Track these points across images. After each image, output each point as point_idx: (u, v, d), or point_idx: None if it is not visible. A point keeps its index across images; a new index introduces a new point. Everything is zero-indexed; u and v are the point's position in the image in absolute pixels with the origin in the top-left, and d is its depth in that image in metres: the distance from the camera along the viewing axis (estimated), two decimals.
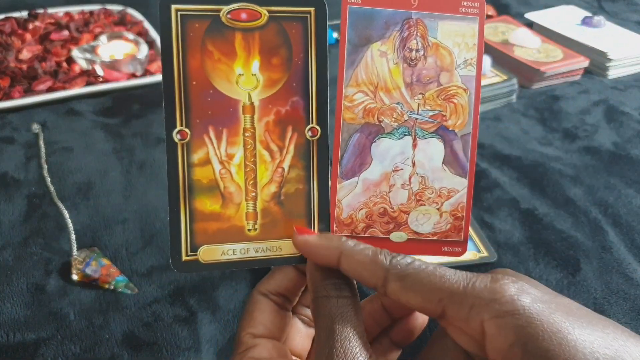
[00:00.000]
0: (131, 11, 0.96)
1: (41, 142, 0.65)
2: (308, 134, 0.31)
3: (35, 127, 0.68)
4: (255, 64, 0.30)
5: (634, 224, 0.57)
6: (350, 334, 0.27)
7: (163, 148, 0.69)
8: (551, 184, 0.62)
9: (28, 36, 0.85)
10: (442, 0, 0.32)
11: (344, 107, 0.31)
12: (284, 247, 0.31)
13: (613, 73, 0.84)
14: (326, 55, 0.31)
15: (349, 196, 0.32)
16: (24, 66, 0.78)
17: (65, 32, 0.87)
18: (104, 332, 0.44)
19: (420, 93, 0.32)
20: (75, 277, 0.48)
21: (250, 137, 0.30)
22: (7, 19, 0.89)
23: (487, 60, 0.77)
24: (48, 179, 0.60)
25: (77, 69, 0.79)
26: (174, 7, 0.29)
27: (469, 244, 0.53)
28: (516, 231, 0.55)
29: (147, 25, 0.91)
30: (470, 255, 0.51)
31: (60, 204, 0.56)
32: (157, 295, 0.47)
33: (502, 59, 0.83)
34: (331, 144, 0.31)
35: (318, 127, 0.31)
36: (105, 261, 0.49)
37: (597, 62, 0.84)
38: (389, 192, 0.32)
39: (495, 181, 0.62)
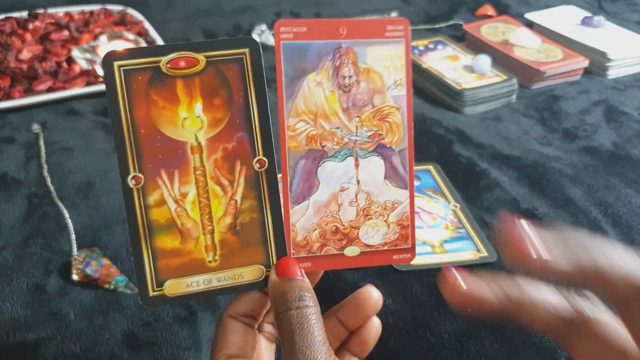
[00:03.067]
0: (131, 11, 0.96)
1: (41, 142, 0.65)
2: (256, 166, 0.33)
3: (36, 127, 0.68)
4: (199, 107, 0.32)
5: (634, 224, 0.57)
6: (311, 343, 0.28)
7: None
8: (551, 183, 0.62)
9: (28, 36, 0.85)
10: (368, 27, 0.34)
11: (287, 137, 0.33)
12: (246, 274, 0.33)
13: (613, 73, 0.84)
14: (265, 90, 0.32)
15: (302, 219, 0.34)
16: (24, 66, 0.78)
17: (66, 32, 0.87)
18: (104, 332, 0.44)
19: (357, 116, 0.34)
20: (75, 277, 0.48)
21: (201, 175, 0.32)
22: (7, 19, 0.89)
23: (487, 60, 0.77)
24: (48, 179, 0.60)
25: (77, 69, 0.79)
26: (115, 63, 0.31)
27: (469, 244, 0.53)
28: None
29: (147, 25, 0.91)
30: (470, 255, 0.51)
31: (60, 204, 0.56)
32: None
33: (502, 59, 0.83)
34: (279, 173, 0.33)
35: (265, 159, 0.33)
36: (106, 261, 0.49)
37: (597, 62, 0.84)
38: (339, 210, 0.34)
39: (495, 181, 0.62)
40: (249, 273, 0.33)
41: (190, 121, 0.32)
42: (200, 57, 0.32)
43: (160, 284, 0.32)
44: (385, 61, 0.34)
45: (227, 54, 0.32)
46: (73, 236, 0.53)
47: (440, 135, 0.70)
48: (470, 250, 0.52)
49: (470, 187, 0.61)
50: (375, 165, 0.35)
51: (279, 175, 0.33)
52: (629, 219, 0.57)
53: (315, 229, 0.34)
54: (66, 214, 0.55)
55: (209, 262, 0.33)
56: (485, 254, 0.52)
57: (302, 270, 0.32)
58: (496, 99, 0.76)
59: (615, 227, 0.56)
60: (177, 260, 0.32)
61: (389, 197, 0.35)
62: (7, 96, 0.73)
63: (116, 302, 0.47)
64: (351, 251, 0.35)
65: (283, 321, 0.29)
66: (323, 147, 0.34)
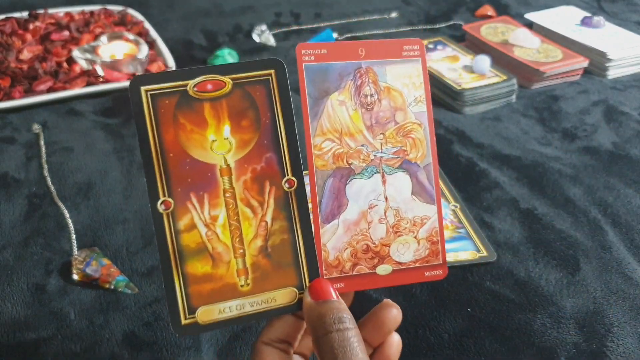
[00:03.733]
0: (131, 11, 0.96)
1: (42, 142, 0.66)
2: (285, 186, 0.33)
3: (36, 127, 0.68)
4: (227, 129, 0.32)
5: (634, 224, 0.57)
6: None
7: None
8: (551, 183, 0.62)
9: (28, 36, 0.85)
10: (386, 48, 0.35)
11: (314, 156, 0.34)
12: (278, 298, 0.32)
13: (612, 73, 0.84)
14: (291, 110, 0.33)
15: (333, 238, 0.34)
16: (25, 66, 0.78)
17: (66, 33, 0.87)
18: (104, 331, 0.44)
19: (380, 133, 0.35)
20: (75, 276, 0.48)
21: (231, 197, 0.32)
22: (7, 19, 0.89)
23: (486, 60, 0.77)
24: (48, 179, 0.60)
25: (77, 69, 0.79)
26: (142, 88, 0.31)
27: (469, 244, 0.53)
28: (516, 231, 0.55)
29: (147, 25, 0.92)
30: (470, 255, 0.52)
31: (60, 204, 0.56)
32: (157, 295, 0.48)
33: (502, 59, 0.83)
34: (308, 193, 0.33)
35: (294, 178, 0.33)
36: (106, 261, 0.49)
37: (597, 62, 0.84)
38: (369, 228, 0.34)
39: (494, 181, 0.62)
40: (281, 296, 0.32)
41: (219, 143, 0.32)
42: (227, 80, 0.32)
43: (192, 311, 0.31)
44: (404, 79, 0.35)
45: (253, 75, 0.32)
46: (73, 236, 0.53)
47: (440, 135, 0.70)
48: (470, 250, 0.52)
49: (470, 187, 0.61)
50: (402, 181, 0.35)
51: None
52: (628, 219, 0.57)
53: (347, 248, 0.34)
54: (66, 214, 0.55)
55: (241, 286, 0.32)
56: (484, 253, 0.52)
57: (336, 292, 0.32)
58: (496, 99, 0.76)
59: (615, 227, 0.56)
60: (209, 285, 0.32)
61: (418, 212, 0.35)
62: (8, 96, 0.73)
63: (116, 302, 0.47)
64: (383, 270, 0.35)
65: (324, 345, 0.29)
66: (350, 164, 0.34)
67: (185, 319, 0.31)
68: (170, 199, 0.31)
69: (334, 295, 0.31)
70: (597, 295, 0.49)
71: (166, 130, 0.31)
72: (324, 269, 0.33)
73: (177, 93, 0.31)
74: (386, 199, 0.35)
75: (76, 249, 0.51)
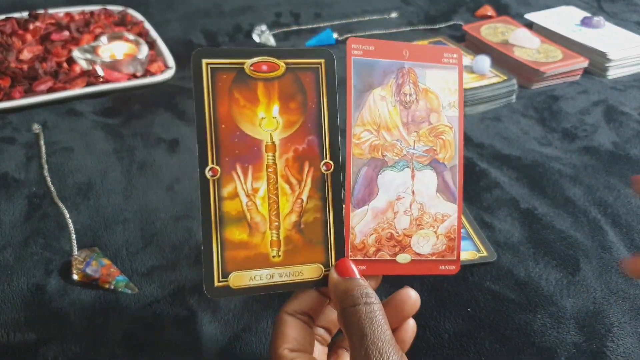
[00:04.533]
0: (131, 12, 0.96)
1: (42, 142, 0.66)
2: (323, 168, 0.35)
3: (36, 127, 0.68)
4: (276, 109, 0.34)
5: (634, 224, 0.57)
6: (382, 335, 0.29)
7: (163, 148, 0.69)
8: (551, 183, 0.62)
9: (29, 36, 0.85)
10: (428, 52, 0.37)
11: (353, 144, 0.36)
12: (305, 272, 0.34)
13: (612, 73, 0.84)
14: (336, 99, 0.35)
15: (361, 223, 0.36)
16: (25, 66, 0.78)
17: (66, 33, 0.87)
18: (104, 332, 0.44)
19: (415, 131, 0.37)
20: (75, 277, 0.48)
21: (273, 172, 0.34)
22: (7, 19, 0.89)
23: (486, 60, 0.77)
24: (48, 179, 0.60)
25: (77, 69, 0.79)
26: (204, 60, 0.33)
27: (469, 244, 0.53)
28: (516, 231, 0.55)
29: (147, 25, 0.92)
30: (470, 255, 0.52)
31: (60, 204, 0.56)
32: (157, 295, 0.48)
33: (502, 59, 0.83)
34: (343, 177, 0.35)
35: (331, 162, 0.35)
36: (106, 261, 0.49)
37: (597, 63, 0.84)
38: (394, 218, 0.36)
39: (494, 181, 0.62)
40: (308, 271, 0.34)
41: (267, 121, 0.34)
42: (281, 63, 0.34)
43: (225, 275, 0.33)
44: (441, 84, 0.37)
45: (305, 62, 0.35)
46: (73, 236, 0.53)
47: None
48: (470, 250, 0.52)
49: (470, 187, 0.61)
50: (429, 178, 0.37)
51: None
52: (628, 219, 0.57)
53: (372, 234, 0.36)
54: (66, 214, 0.55)
55: (273, 257, 0.34)
56: (484, 253, 0.52)
57: (360, 273, 0.34)
58: (496, 99, 0.76)
59: (615, 227, 0.56)
60: (243, 252, 0.34)
61: (440, 209, 0.37)
62: (8, 96, 0.73)
63: (116, 302, 0.47)
64: (403, 258, 0.37)
65: (351, 316, 0.30)
66: (384, 156, 0.36)
67: (219, 281, 0.33)
68: (217, 167, 0.33)
69: (357, 275, 0.33)
70: (597, 295, 0.49)
71: (221, 103, 0.33)
72: (349, 250, 0.35)
73: (234, 69, 0.33)
74: (413, 192, 0.37)
75: (76, 249, 0.51)
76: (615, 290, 0.49)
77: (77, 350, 0.43)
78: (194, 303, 0.47)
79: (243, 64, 0.34)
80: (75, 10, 0.95)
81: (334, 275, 0.33)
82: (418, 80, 0.37)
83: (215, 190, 0.33)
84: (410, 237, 0.37)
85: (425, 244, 0.37)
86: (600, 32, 0.89)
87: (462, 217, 0.56)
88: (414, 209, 0.37)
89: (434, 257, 0.37)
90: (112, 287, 0.48)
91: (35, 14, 0.91)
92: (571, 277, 0.50)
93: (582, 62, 0.82)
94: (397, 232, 0.36)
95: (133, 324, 0.45)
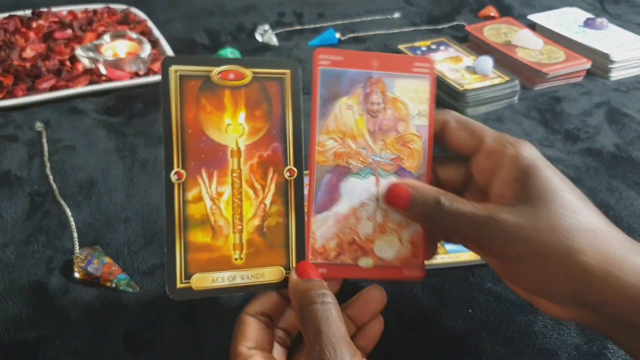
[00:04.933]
0: (134, 10, 0.96)
1: (44, 140, 0.66)
2: (286, 174, 0.36)
3: (39, 126, 0.68)
4: (242, 116, 0.35)
5: (635, 226, 0.57)
6: (336, 332, 0.31)
7: None
8: None
9: (32, 34, 0.85)
10: (398, 62, 0.38)
11: (317, 152, 0.37)
12: (267, 274, 0.36)
13: (615, 75, 0.84)
14: (300, 109, 0.36)
15: (322, 228, 0.37)
16: (28, 64, 0.78)
17: (69, 31, 0.87)
18: (105, 330, 0.44)
19: (381, 140, 0.38)
20: (77, 275, 0.48)
21: (237, 177, 0.35)
22: (11, 17, 0.89)
23: (489, 61, 0.77)
24: (51, 177, 0.60)
25: (80, 67, 0.79)
26: (172, 67, 0.34)
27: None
28: None
29: (150, 24, 0.92)
30: (470, 256, 0.51)
31: (62, 202, 0.57)
32: (158, 294, 0.48)
33: (505, 60, 0.83)
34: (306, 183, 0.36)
35: (295, 169, 0.36)
36: (107, 259, 0.49)
37: (600, 64, 0.84)
38: (357, 224, 0.37)
39: None
40: (270, 273, 0.35)
41: (233, 127, 0.35)
42: (248, 72, 0.35)
43: (188, 276, 0.34)
44: (410, 93, 0.38)
45: (271, 72, 0.36)
46: (75, 234, 0.53)
47: None
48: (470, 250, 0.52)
49: None
50: None
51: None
52: (630, 221, 0.57)
53: (334, 239, 0.37)
54: (68, 212, 0.55)
55: (235, 259, 0.35)
56: None
57: (319, 275, 0.35)
58: (498, 100, 0.76)
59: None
60: (206, 255, 0.34)
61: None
62: (11, 94, 0.73)
63: (118, 300, 0.47)
64: (365, 262, 0.37)
65: (308, 314, 0.32)
66: (348, 164, 0.37)
67: (181, 283, 0.34)
68: (183, 171, 0.34)
69: (316, 277, 0.35)
70: None
71: (188, 109, 0.34)
72: (310, 253, 0.36)
73: (202, 77, 0.34)
74: (377, 199, 0.37)
75: (78, 247, 0.52)
76: None
77: (78, 348, 0.43)
78: (195, 302, 0.47)
79: (211, 71, 0.35)
80: (78, 8, 0.95)
81: (294, 276, 0.35)
82: (387, 90, 0.37)
83: (180, 194, 0.34)
84: (373, 243, 0.37)
85: (389, 250, 0.37)
86: (604, 33, 0.88)
87: None
88: (378, 215, 0.37)
89: (398, 263, 0.38)
90: (114, 285, 0.48)
91: (39, 12, 0.91)
92: None
93: (585, 64, 0.82)
94: (360, 238, 0.37)
95: (134, 323, 0.45)
